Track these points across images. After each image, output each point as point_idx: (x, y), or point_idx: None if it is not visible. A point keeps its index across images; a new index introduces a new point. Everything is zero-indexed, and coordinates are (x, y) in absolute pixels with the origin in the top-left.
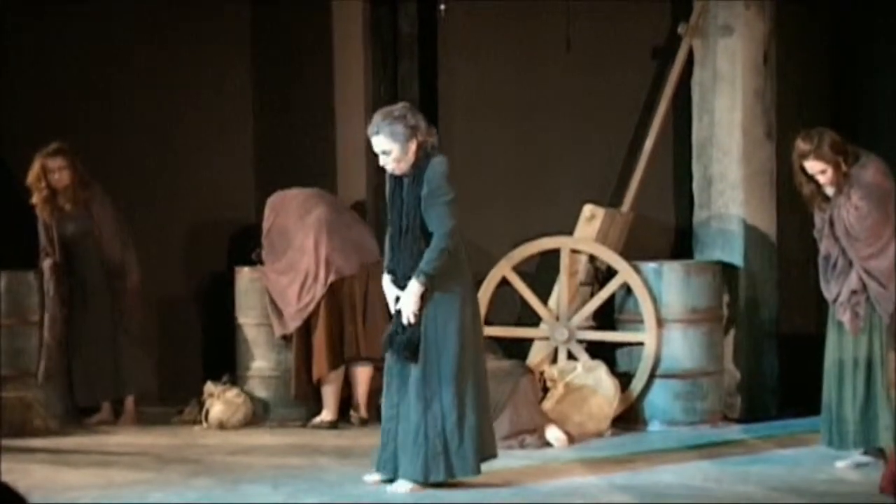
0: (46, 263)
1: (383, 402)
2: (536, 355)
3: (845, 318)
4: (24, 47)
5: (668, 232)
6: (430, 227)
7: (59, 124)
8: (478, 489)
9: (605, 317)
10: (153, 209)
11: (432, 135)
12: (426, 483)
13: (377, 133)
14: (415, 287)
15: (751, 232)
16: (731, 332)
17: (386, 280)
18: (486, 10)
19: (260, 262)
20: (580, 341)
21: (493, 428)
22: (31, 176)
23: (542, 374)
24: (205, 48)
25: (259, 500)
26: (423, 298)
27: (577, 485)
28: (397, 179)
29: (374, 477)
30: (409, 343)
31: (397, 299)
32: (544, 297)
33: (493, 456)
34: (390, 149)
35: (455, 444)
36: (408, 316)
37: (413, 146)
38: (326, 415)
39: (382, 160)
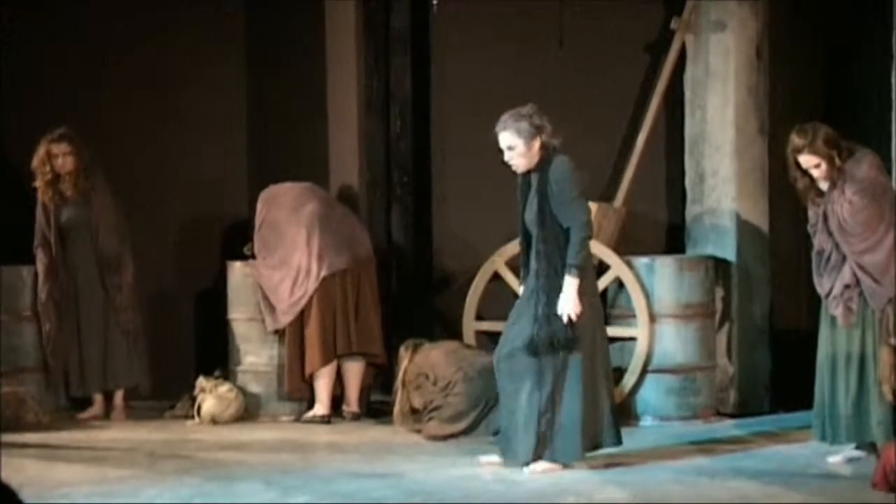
0: (41, 266)
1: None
2: None
3: (838, 312)
4: (17, 44)
5: (661, 227)
6: (566, 222)
7: (52, 120)
8: (469, 485)
9: None
10: (146, 204)
11: (557, 137)
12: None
13: (504, 129)
14: (570, 282)
15: (743, 227)
16: (724, 328)
17: (522, 290)
18: (479, 6)
19: (252, 256)
20: None
21: (582, 424)
22: (36, 160)
23: None
24: (199, 44)
25: (252, 496)
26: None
27: (569, 480)
28: (525, 179)
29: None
30: (553, 335)
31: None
32: None
33: (582, 452)
34: (514, 144)
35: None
36: (570, 312)
37: (536, 144)
38: (319, 409)
39: (507, 155)
